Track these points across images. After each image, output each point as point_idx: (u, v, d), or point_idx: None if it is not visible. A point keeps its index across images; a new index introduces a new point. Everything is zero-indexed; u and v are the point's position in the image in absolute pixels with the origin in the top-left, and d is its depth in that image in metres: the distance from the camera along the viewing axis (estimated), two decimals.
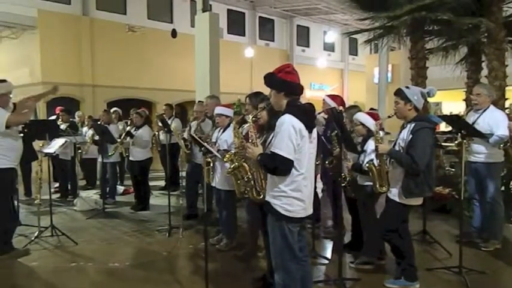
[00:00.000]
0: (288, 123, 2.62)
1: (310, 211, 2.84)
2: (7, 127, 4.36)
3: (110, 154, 6.83)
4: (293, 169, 2.65)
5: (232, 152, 3.67)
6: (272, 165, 2.67)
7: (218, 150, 4.23)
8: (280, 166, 2.63)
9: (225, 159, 3.59)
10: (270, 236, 2.85)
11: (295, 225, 2.76)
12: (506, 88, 6.66)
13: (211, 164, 4.03)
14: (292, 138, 2.59)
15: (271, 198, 2.76)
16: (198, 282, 3.76)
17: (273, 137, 2.87)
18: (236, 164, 3.31)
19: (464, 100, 7.12)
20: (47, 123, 7.18)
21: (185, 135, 6.11)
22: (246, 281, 3.81)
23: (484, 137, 4.10)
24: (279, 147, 2.60)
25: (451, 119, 4.27)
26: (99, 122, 7.63)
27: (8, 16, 13.28)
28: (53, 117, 9.10)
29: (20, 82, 13.92)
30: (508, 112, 4.72)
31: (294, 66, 2.91)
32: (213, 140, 4.73)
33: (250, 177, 3.10)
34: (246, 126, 3.95)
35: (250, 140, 2.95)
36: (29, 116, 4.55)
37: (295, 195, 2.69)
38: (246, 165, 3.10)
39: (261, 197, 3.07)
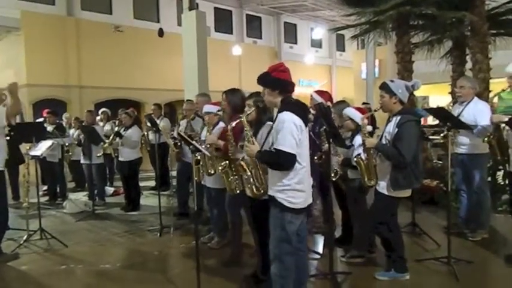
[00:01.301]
0: (290, 120, 2.76)
1: (310, 200, 2.98)
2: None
3: (98, 155, 6.78)
4: (296, 163, 2.78)
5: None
6: (277, 161, 2.80)
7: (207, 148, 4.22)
8: (285, 161, 2.77)
9: (221, 168, 3.65)
10: (270, 228, 2.92)
11: (297, 216, 2.88)
12: (490, 80, 6.77)
13: (201, 163, 4.02)
14: (294, 133, 2.75)
15: (275, 193, 2.86)
16: (190, 281, 3.75)
17: (270, 132, 2.93)
18: (237, 165, 3.32)
19: (450, 93, 7.21)
20: (34, 125, 7.09)
21: (174, 134, 6.09)
22: (238, 278, 3.82)
23: (469, 128, 4.16)
24: (283, 143, 2.74)
25: (437, 112, 4.32)
26: (83, 123, 7.57)
27: None
28: (40, 120, 8.99)
29: (5, 84, 13.68)
30: (490, 104, 4.78)
31: (285, 65, 3.03)
32: (202, 138, 4.72)
33: (249, 174, 3.12)
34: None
35: (246, 139, 3.02)
36: (19, 103, 4.47)
37: (298, 188, 2.83)
38: (243, 163, 3.12)
39: (261, 192, 3.11)
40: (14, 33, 14.00)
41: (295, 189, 2.82)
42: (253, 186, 3.14)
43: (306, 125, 2.90)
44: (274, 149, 2.79)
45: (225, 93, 4.06)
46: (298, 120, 2.78)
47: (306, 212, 3.02)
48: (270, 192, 2.92)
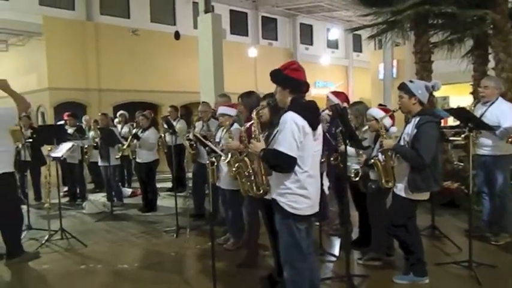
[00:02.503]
0: (291, 120, 2.63)
1: (317, 208, 2.83)
2: None
3: (116, 157, 6.88)
4: (296, 166, 2.66)
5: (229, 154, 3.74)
6: (275, 162, 2.69)
7: (222, 150, 4.23)
8: (283, 163, 2.65)
9: (225, 161, 3.61)
10: (279, 233, 2.85)
11: (302, 223, 2.76)
12: None
13: (216, 164, 4.02)
14: (295, 135, 2.60)
15: (277, 196, 2.76)
16: (206, 282, 3.77)
17: (276, 134, 2.88)
18: (239, 160, 3.31)
19: (471, 93, 7.05)
20: (55, 128, 7.26)
21: (190, 135, 6.13)
22: (253, 279, 3.82)
23: (491, 129, 4.06)
24: (282, 144, 2.61)
25: (458, 112, 4.22)
26: (98, 126, 7.71)
27: (14, 24, 13.42)
28: (61, 122, 9.18)
29: (28, 88, 14.05)
30: None
31: (299, 64, 2.91)
32: (217, 139, 4.74)
33: (250, 172, 3.09)
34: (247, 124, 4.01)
35: (253, 136, 2.95)
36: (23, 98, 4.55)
37: (300, 193, 2.70)
38: (247, 159, 3.09)
39: (260, 192, 3.06)
40: (35, 38, 14.38)
41: (296, 193, 2.69)
42: (254, 184, 3.10)
43: (314, 129, 2.72)
44: (274, 149, 2.69)
45: (240, 96, 4.04)
46: (302, 122, 2.63)
47: (316, 217, 2.92)
48: (273, 195, 2.82)
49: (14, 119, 4.56)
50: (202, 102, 6.55)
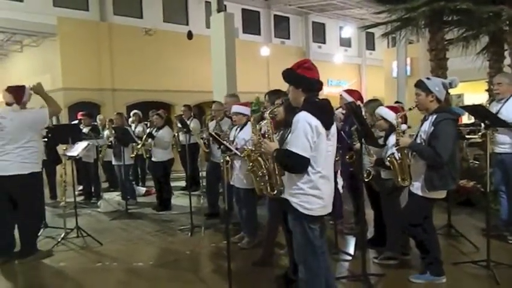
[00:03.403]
0: (304, 120, 2.60)
1: (330, 209, 2.81)
2: None
3: (132, 156, 6.94)
4: (309, 167, 2.64)
5: (250, 148, 3.69)
6: (287, 162, 2.67)
7: (237, 148, 4.24)
8: (296, 164, 2.63)
9: (242, 155, 3.59)
10: (292, 233, 2.85)
11: (314, 223, 2.75)
12: None
13: (230, 163, 4.03)
14: (308, 135, 2.58)
15: (289, 196, 2.76)
16: (221, 280, 3.78)
17: (289, 134, 2.87)
18: (253, 160, 3.30)
19: (487, 91, 6.94)
20: (70, 127, 7.37)
21: (204, 134, 6.15)
22: (269, 278, 3.81)
23: (509, 126, 3.98)
24: (295, 144, 2.60)
25: (475, 109, 4.16)
26: (113, 125, 7.79)
27: (28, 25, 13.62)
28: (76, 122, 9.30)
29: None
30: None
31: (312, 62, 2.86)
32: (231, 138, 4.74)
33: (264, 172, 3.08)
34: (263, 123, 3.96)
35: (266, 135, 2.94)
36: (54, 101, 4.65)
37: (313, 193, 2.68)
38: (261, 159, 3.09)
39: (274, 192, 3.05)
40: (50, 39, 14.56)
41: (309, 194, 2.67)
42: (267, 185, 3.09)
43: (328, 128, 2.69)
44: (287, 150, 2.66)
45: (267, 94, 4.02)
46: (315, 122, 2.60)
47: (329, 217, 2.89)
48: (286, 196, 2.81)
49: (45, 122, 4.65)
50: (215, 101, 6.58)
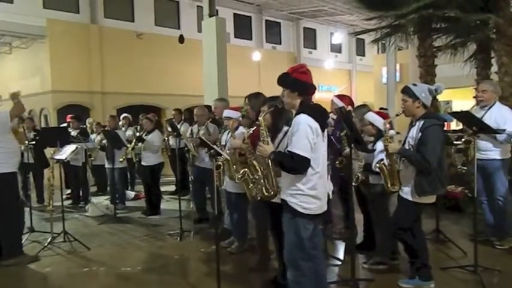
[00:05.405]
0: (305, 122, 2.70)
1: (325, 208, 2.90)
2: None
3: (121, 160, 6.87)
4: (309, 168, 2.71)
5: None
6: (290, 164, 2.72)
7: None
8: (298, 165, 2.70)
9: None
10: (285, 233, 2.88)
11: (310, 222, 2.81)
12: None
13: (222, 167, 4.01)
14: (309, 137, 2.68)
15: (287, 197, 2.81)
16: (210, 285, 3.75)
17: (283, 137, 2.89)
18: (249, 165, 3.30)
19: (474, 97, 7.02)
20: (58, 130, 7.29)
21: (187, 142, 6.09)
22: (258, 282, 3.80)
23: (496, 133, 4.04)
24: (297, 146, 2.67)
25: (463, 116, 4.21)
26: (105, 128, 7.70)
27: (18, 26, 13.48)
28: (64, 125, 9.20)
29: (31, 91, 14.11)
30: None
31: (306, 67, 2.96)
32: (223, 143, 4.73)
33: (260, 175, 3.09)
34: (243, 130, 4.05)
35: (261, 139, 2.97)
36: (21, 105, 4.73)
37: (311, 193, 2.76)
38: (255, 163, 3.10)
39: (271, 194, 3.07)
40: (39, 41, 14.44)
41: (307, 194, 2.75)
42: (263, 188, 3.11)
43: (324, 130, 2.81)
44: (288, 151, 2.72)
45: (247, 97, 4.05)
46: (315, 124, 2.71)
47: (322, 218, 2.96)
48: (283, 196, 2.87)
49: (6, 123, 4.58)
50: (198, 106, 6.53)
